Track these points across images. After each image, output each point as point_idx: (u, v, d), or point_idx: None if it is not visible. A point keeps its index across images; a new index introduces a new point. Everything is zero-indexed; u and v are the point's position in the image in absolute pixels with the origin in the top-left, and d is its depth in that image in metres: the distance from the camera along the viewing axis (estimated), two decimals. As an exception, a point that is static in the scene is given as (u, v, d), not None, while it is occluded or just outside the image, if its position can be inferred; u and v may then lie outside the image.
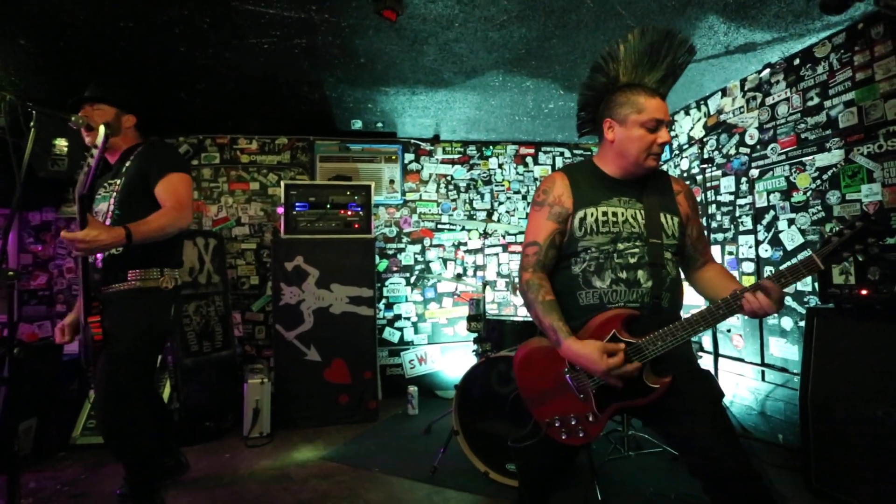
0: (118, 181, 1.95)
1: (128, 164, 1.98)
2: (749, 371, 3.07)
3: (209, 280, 3.56)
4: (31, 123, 1.95)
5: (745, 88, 3.16)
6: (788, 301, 2.82)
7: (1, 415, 2.53)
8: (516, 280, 4.48)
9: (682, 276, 1.50)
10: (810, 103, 2.71)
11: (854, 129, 2.48)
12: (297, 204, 3.52)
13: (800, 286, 2.76)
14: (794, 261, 1.29)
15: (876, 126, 2.37)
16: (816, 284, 2.56)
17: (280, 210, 3.53)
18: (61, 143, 2.87)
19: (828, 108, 2.62)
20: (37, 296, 3.76)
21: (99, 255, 1.89)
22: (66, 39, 2.53)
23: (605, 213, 1.40)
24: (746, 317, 2.13)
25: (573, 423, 1.38)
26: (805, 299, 2.72)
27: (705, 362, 3.25)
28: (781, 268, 1.27)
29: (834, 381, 1.94)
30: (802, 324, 2.71)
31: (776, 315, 2.89)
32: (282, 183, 3.53)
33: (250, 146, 4.14)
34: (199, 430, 3.17)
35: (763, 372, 2.94)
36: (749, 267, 3.12)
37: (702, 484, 1.25)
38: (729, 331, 3.24)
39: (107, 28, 2.43)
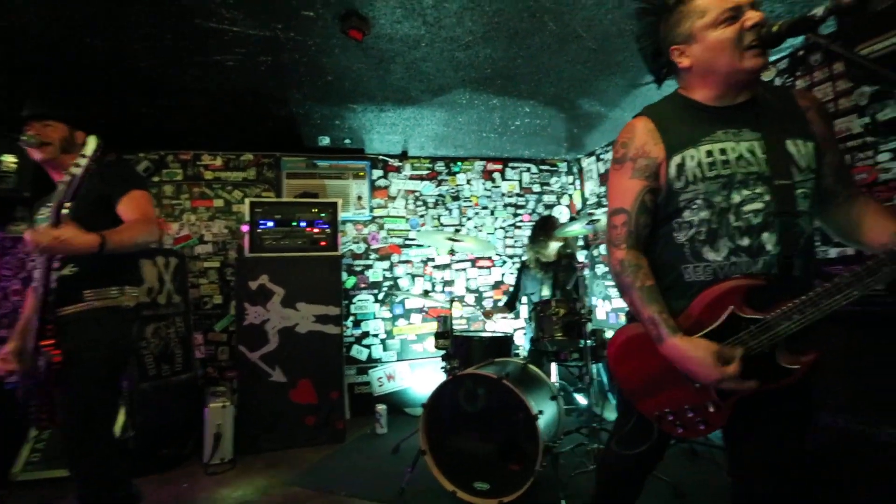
0: (69, 203, 1.76)
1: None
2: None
3: (169, 300, 3.44)
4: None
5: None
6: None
7: None
8: (487, 308, 4.54)
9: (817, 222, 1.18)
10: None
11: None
12: (261, 221, 3.45)
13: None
14: None
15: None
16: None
17: (245, 228, 3.45)
18: (9, 160, 2.74)
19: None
20: (-21, 319, 3.53)
21: (54, 276, 1.77)
22: (21, 55, 2.44)
23: (709, 153, 1.12)
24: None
25: (690, 415, 1.16)
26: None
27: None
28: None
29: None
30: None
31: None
32: (246, 200, 3.46)
33: (215, 162, 4.05)
34: (155, 459, 3.02)
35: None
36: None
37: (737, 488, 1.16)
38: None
39: (63, 42, 2.36)
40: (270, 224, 3.47)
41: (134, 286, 1.96)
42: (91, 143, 1.59)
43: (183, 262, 3.62)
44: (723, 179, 1.10)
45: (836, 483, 1.81)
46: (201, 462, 3.05)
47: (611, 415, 3.52)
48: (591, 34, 2.54)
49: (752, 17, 1.06)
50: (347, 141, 4.02)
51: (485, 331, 4.39)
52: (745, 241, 1.09)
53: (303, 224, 3.54)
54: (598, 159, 4.51)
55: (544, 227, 3.54)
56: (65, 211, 1.67)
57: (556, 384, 2.87)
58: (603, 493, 1.48)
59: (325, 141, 3.96)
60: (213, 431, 3.09)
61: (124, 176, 1.92)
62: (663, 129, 1.17)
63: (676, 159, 1.14)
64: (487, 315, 3.75)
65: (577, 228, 3.15)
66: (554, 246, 3.48)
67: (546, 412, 2.37)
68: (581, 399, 3.57)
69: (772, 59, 2.75)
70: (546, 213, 4.83)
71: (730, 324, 1.07)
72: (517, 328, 4.52)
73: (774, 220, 1.07)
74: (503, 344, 3.01)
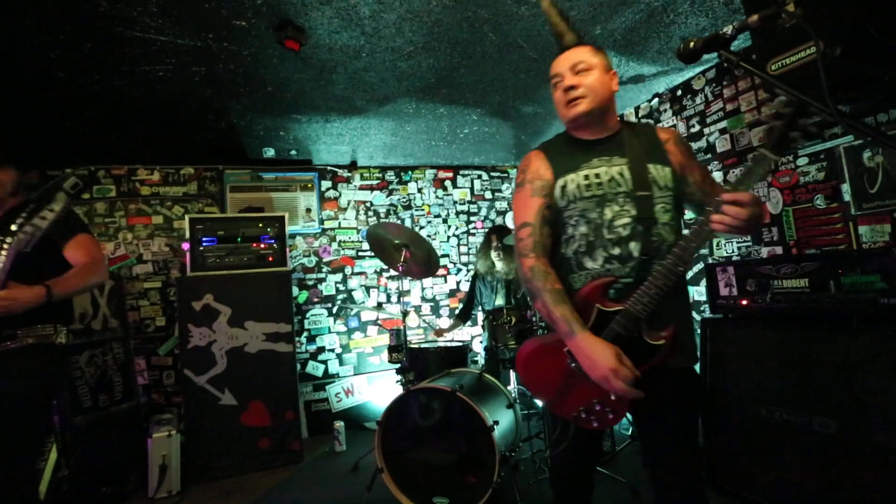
0: (10, 239, 1.70)
1: (20, 221, 1.72)
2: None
3: (105, 325, 3.23)
4: None
5: (640, 115, 3.43)
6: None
7: None
8: (436, 328, 4.51)
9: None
10: (693, 130, 3.00)
11: (728, 153, 2.77)
12: (204, 239, 3.30)
13: (697, 296, 2.99)
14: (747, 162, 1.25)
15: (745, 151, 2.66)
16: (707, 295, 2.80)
17: (185, 246, 3.29)
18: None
19: (707, 134, 2.91)
20: None
21: None
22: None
23: (586, 177, 1.34)
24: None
25: (598, 407, 1.31)
26: (701, 308, 2.96)
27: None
28: (735, 171, 1.27)
29: (726, 385, 2.11)
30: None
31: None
32: (186, 217, 3.30)
33: (152, 177, 3.85)
34: (94, 499, 2.81)
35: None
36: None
37: (648, 478, 1.33)
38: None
39: (-37, 52, 2.17)
40: (213, 241, 3.33)
41: (65, 325, 1.93)
42: (60, 201, 1.66)
43: (120, 283, 3.41)
44: (597, 198, 1.32)
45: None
46: (146, 497, 2.87)
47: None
48: (531, 44, 2.58)
49: (563, 82, 1.36)
50: (293, 152, 3.91)
51: (441, 339, 4.38)
52: (616, 251, 1.29)
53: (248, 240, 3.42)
54: (548, 164, 4.59)
55: (497, 234, 3.56)
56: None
57: (514, 391, 2.88)
58: (559, 497, 1.58)
59: (270, 152, 3.84)
60: (159, 463, 2.92)
61: (66, 219, 1.88)
62: (552, 158, 1.41)
63: (560, 182, 1.37)
64: (438, 334, 3.71)
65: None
66: (500, 265, 3.44)
67: (502, 421, 2.37)
68: (540, 402, 3.60)
69: (700, 69, 2.89)
70: (498, 220, 4.87)
71: (599, 319, 1.26)
72: (475, 335, 4.53)
73: (638, 228, 1.28)
74: (459, 354, 3.00)
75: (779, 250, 2.47)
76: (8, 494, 1.67)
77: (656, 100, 3.27)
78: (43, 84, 2.52)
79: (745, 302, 2.07)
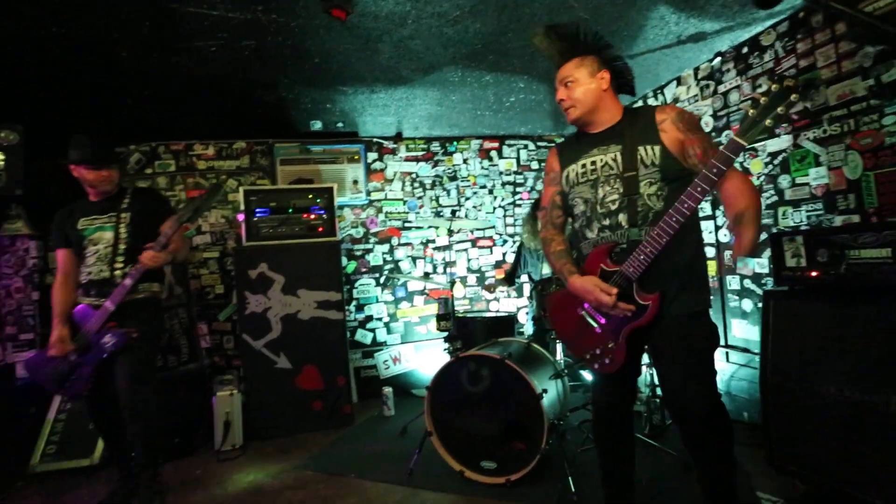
0: (125, 215, 2.36)
1: (125, 202, 2.40)
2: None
3: (171, 292, 3.45)
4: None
5: (699, 77, 3.22)
6: (748, 283, 2.91)
7: None
8: (487, 281, 4.54)
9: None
10: (760, 90, 2.78)
11: (801, 114, 2.55)
12: (257, 210, 3.42)
13: (757, 269, 2.84)
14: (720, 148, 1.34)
15: (820, 111, 2.45)
16: (771, 266, 2.65)
17: (240, 217, 3.43)
18: (-2, 158, 2.71)
19: (776, 94, 2.69)
20: (-16, 319, 3.55)
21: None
22: (-4, 50, 2.39)
23: (583, 165, 1.64)
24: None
25: (598, 352, 1.60)
26: (763, 282, 2.81)
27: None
28: (712, 160, 1.34)
29: (790, 361, 2.00)
30: (761, 305, 2.80)
31: (737, 297, 2.98)
32: (241, 189, 3.43)
33: (207, 151, 4.00)
34: (168, 448, 3.07)
35: (727, 353, 3.02)
36: (709, 252, 3.20)
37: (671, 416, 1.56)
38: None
39: (37, 35, 2.30)
40: (266, 212, 3.45)
41: (162, 284, 2.56)
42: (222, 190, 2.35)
43: (182, 253, 3.61)
44: (591, 181, 1.62)
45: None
46: (213, 449, 3.10)
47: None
48: (582, 3, 2.45)
49: (557, 95, 1.67)
50: (340, 124, 3.95)
51: (488, 311, 4.40)
52: (607, 221, 1.58)
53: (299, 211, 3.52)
54: (597, 132, 4.42)
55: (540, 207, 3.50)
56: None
57: (561, 362, 2.87)
58: (597, 439, 1.82)
59: (318, 125, 3.89)
60: (223, 419, 3.13)
61: (166, 201, 2.62)
62: (561, 154, 1.76)
63: (565, 172, 1.71)
64: (489, 288, 3.74)
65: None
66: None
67: (550, 390, 2.38)
68: (587, 375, 3.58)
69: (770, 22, 2.66)
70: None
71: (602, 277, 1.56)
72: (520, 307, 4.52)
73: (625, 202, 1.54)
74: (506, 323, 3.01)
75: (856, 219, 2.29)
76: (149, 400, 2.29)
77: (718, 59, 3.04)
78: (107, 65, 2.64)
79: (815, 273, 1.94)
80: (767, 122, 1.25)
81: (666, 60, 3.15)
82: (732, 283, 3.01)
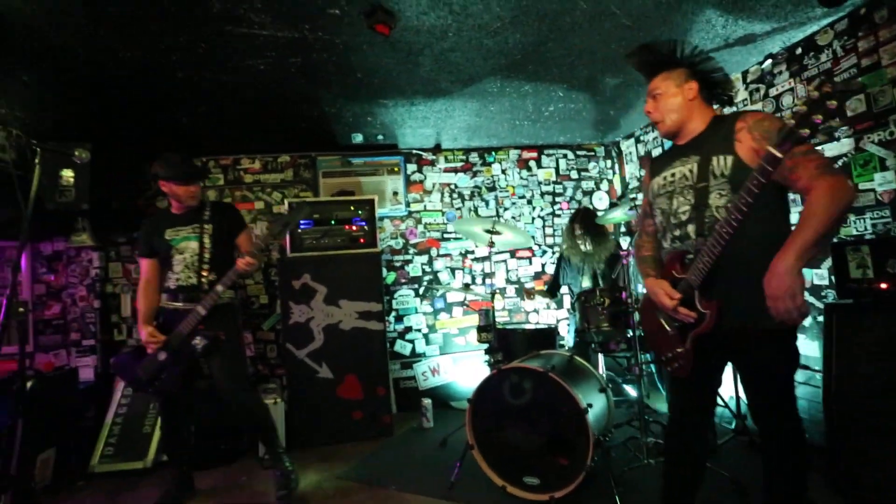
0: (208, 226, 2.56)
1: (206, 215, 2.59)
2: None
3: (219, 301, 3.57)
4: (37, 160, 1.99)
5: (748, 80, 3.10)
6: (806, 296, 2.74)
7: (18, 447, 2.60)
8: (526, 285, 4.49)
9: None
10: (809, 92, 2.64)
11: (863, 116, 2.41)
12: (301, 222, 3.52)
13: (816, 280, 2.68)
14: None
15: (885, 112, 2.30)
16: (833, 278, 2.49)
17: (285, 228, 3.52)
18: (68, 175, 2.88)
19: (834, 96, 2.55)
20: (51, 325, 3.80)
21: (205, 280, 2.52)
22: (67, 73, 2.57)
23: (664, 178, 1.67)
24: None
25: (670, 355, 1.63)
26: (822, 293, 2.64)
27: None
28: (753, 172, 1.31)
29: (858, 379, 1.87)
30: (821, 319, 2.63)
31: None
32: (285, 201, 3.54)
33: (253, 165, 4.16)
34: (214, 453, 3.16)
35: (784, 369, 2.85)
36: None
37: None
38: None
39: (105, 59, 2.47)
40: (309, 224, 3.54)
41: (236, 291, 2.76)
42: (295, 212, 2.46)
43: (229, 264, 3.75)
44: (668, 193, 1.64)
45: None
46: (257, 456, 3.17)
47: (662, 406, 3.40)
48: (624, 10, 2.41)
49: (646, 107, 1.71)
50: (380, 137, 4.02)
51: (528, 322, 4.34)
52: (678, 232, 1.61)
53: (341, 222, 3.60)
54: (638, 141, 4.32)
55: (580, 220, 3.43)
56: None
57: (605, 376, 2.79)
58: (666, 457, 1.79)
59: (359, 138, 3.98)
60: (266, 427, 3.19)
61: (240, 216, 2.76)
62: (652, 167, 1.79)
63: (651, 185, 1.75)
64: (528, 294, 3.68)
65: (619, 215, 3.02)
66: (585, 247, 3.37)
67: (595, 405, 2.31)
68: (631, 391, 3.46)
69: (827, 21, 2.53)
70: (584, 201, 4.68)
71: (672, 282, 1.59)
72: (561, 319, 4.44)
73: (693, 214, 1.54)
74: (547, 336, 2.96)
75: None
76: (253, 395, 2.63)
77: (769, 62, 2.92)
78: (164, 84, 2.80)
79: (884, 285, 1.81)
80: (804, 130, 1.19)
81: (713, 65, 3.05)
82: (789, 295, 2.85)
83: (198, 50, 2.48)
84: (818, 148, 2.65)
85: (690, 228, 1.55)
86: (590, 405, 2.21)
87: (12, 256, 3.71)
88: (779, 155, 1.24)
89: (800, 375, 2.73)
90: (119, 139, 3.50)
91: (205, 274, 2.49)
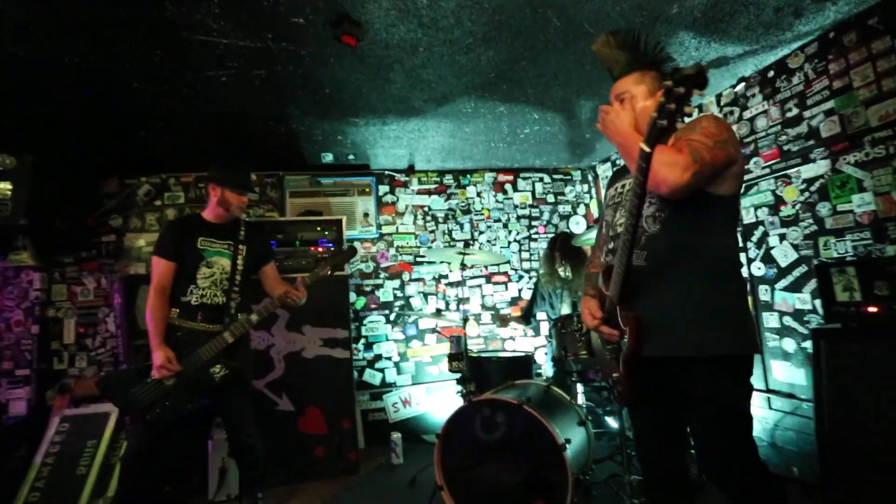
0: (242, 247, 2.40)
1: (242, 234, 2.44)
2: (753, 398, 2.87)
3: (172, 328, 3.31)
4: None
5: (722, 104, 3.10)
6: (788, 321, 2.66)
7: None
8: (501, 311, 4.34)
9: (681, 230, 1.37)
10: (789, 114, 2.64)
11: (837, 138, 2.39)
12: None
13: (798, 304, 2.60)
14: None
15: (860, 133, 2.28)
16: (817, 302, 2.42)
17: (246, 249, 3.32)
18: (4, 187, 2.67)
19: (807, 118, 2.54)
20: (-18, 353, 3.45)
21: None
22: (6, 79, 2.38)
23: (615, 189, 1.57)
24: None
25: (612, 381, 1.48)
26: (805, 318, 2.57)
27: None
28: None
29: (850, 409, 1.75)
30: (806, 345, 2.55)
31: (777, 336, 2.73)
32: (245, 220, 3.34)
33: (217, 184, 3.96)
34: (158, 497, 2.84)
35: (769, 399, 2.74)
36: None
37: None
38: (727, 355, 3.06)
39: (51, 64, 2.29)
40: (272, 245, 3.34)
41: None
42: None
43: (186, 288, 3.50)
44: (614, 205, 1.55)
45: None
46: (206, 499, 2.87)
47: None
48: (598, 28, 2.37)
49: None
50: (351, 157, 3.90)
51: (504, 350, 4.17)
52: (611, 245, 1.50)
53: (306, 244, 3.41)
54: (614, 165, 4.30)
55: (560, 247, 3.33)
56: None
57: (584, 407, 2.63)
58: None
59: (329, 157, 3.85)
60: (218, 466, 2.92)
61: (270, 246, 2.71)
62: (611, 179, 1.68)
63: (604, 197, 1.68)
64: (501, 320, 3.53)
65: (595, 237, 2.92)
66: (565, 273, 3.25)
67: (574, 439, 2.14)
68: (612, 422, 3.29)
69: (798, 44, 2.55)
70: (561, 226, 4.61)
71: (601, 299, 1.51)
72: (538, 346, 4.28)
73: (626, 231, 1.38)
74: (523, 364, 2.80)
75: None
76: (258, 434, 2.37)
77: (742, 84, 2.93)
78: (118, 95, 2.63)
79: (873, 309, 1.73)
80: (660, 122, 1.11)
81: (686, 88, 3.05)
82: (770, 320, 2.77)
83: (153, 58, 2.33)
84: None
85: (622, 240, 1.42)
86: (568, 440, 2.03)
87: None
88: (647, 149, 1.17)
89: (786, 405, 2.63)
90: (68, 152, 3.28)
91: (234, 297, 2.32)
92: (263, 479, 2.43)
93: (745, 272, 2.95)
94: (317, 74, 2.58)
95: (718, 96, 3.12)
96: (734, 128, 3.01)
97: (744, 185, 2.94)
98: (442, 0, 2.08)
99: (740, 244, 3.00)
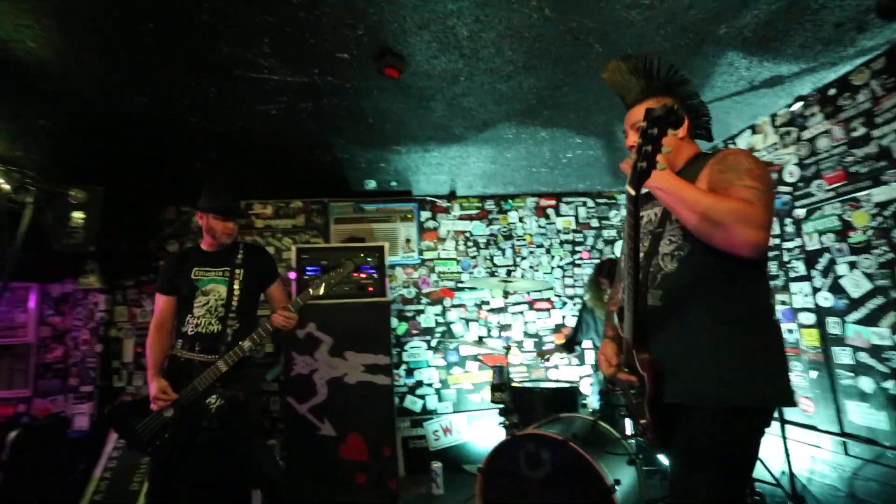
0: (238, 271, 2.32)
1: (239, 258, 2.37)
2: (826, 442, 2.62)
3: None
4: (29, 199, 1.93)
5: (777, 124, 2.95)
6: (864, 358, 2.43)
7: None
8: (544, 347, 4.21)
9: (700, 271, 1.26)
10: (855, 134, 2.47)
11: (912, 157, 2.21)
12: (308, 268, 3.41)
13: (875, 339, 2.38)
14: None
15: (939, 152, 2.10)
16: (896, 337, 2.20)
17: (292, 275, 3.42)
18: (77, 216, 2.87)
19: (877, 137, 2.37)
20: (52, 369, 3.69)
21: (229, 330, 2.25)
22: (80, 117, 2.60)
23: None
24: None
25: (642, 427, 1.37)
26: (884, 355, 2.33)
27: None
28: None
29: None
30: (887, 385, 2.31)
31: (851, 374, 2.49)
32: (293, 247, 3.45)
33: (265, 211, 4.13)
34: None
35: (845, 444, 2.49)
36: (808, 318, 2.76)
37: None
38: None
39: (118, 103, 2.48)
40: (317, 270, 3.42)
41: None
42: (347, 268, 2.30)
43: (235, 312, 3.63)
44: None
45: None
46: (249, 524, 2.89)
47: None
48: (641, 52, 2.31)
49: (628, 141, 1.42)
50: (394, 183, 3.97)
51: (546, 380, 4.04)
52: (626, 282, 1.31)
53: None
54: (662, 187, 4.15)
55: (606, 273, 3.22)
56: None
57: (633, 443, 2.48)
58: None
59: (372, 184, 3.94)
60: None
61: (273, 262, 2.53)
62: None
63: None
64: (542, 356, 3.42)
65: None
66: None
67: (624, 480, 2.01)
68: (665, 460, 3.09)
69: (861, 60, 2.39)
70: (606, 251, 4.48)
71: (617, 341, 1.42)
72: (583, 376, 4.12)
73: (644, 262, 1.33)
74: (568, 396, 2.69)
75: None
76: (268, 458, 2.34)
77: (799, 104, 2.77)
78: (178, 129, 2.81)
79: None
80: (641, 165, 1.05)
81: (737, 108, 2.93)
82: (841, 356, 2.54)
83: (209, 95, 2.48)
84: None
85: (626, 283, 1.31)
86: (618, 481, 1.91)
87: (24, 297, 3.69)
88: (632, 192, 1.10)
89: (866, 451, 2.38)
90: (132, 183, 3.52)
91: (230, 323, 2.24)
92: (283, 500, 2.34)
93: (810, 302, 2.74)
94: (360, 105, 2.66)
95: (773, 116, 2.97)
96: (793, 148, 2.85)
97: (805, 209, 2.76)
98: (483, 31, 2.11)
99: (805, 272, 2.79)
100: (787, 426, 2.75)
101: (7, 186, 2.78)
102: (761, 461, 2.63)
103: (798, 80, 2.60)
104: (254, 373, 2.41)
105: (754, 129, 3.14)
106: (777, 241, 2.96)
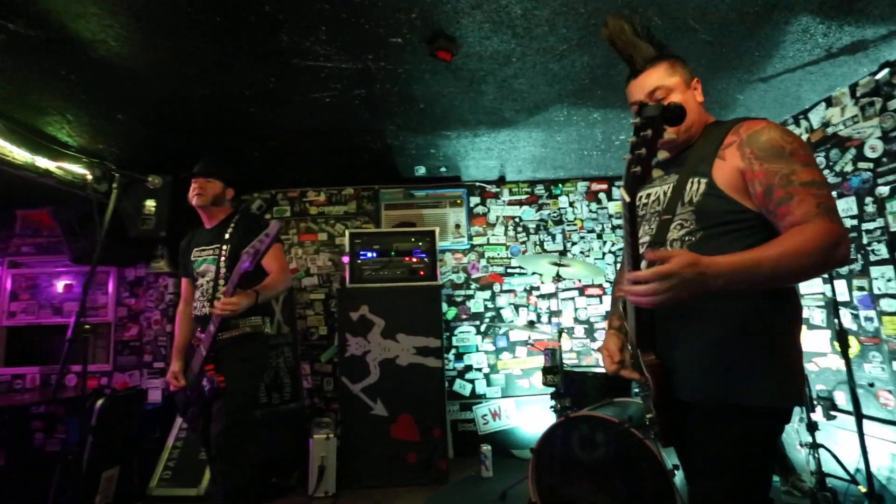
0: (225, 247, 2.18)
1: (230, 232, 2.22)
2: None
3: (279, 331, 3.60)
4: (114, 185, 2.09)
5: (858, 94, 2.72)
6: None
7: (87, 463, 2.67)
8: (599, 329, 4.13)
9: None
10: None
11: None
12: (361, 252, 3.50)
13: (967, 327, 2.18)
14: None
15: None
16: None
17: (345, 259, 3.53)
18: (150, 204, 3.10)
19: (978, 106, 2.14)
20: (129, 346, 4.02)
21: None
22: (158, 112, 2.78)
23: (640, 199, 1.32)
24: None
25: (649, 422, 1.27)
26: (978, 344, 2.14)
27: (841, 423, 2.65)
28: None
29: None
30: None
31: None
32: (346, 232, 3.55)
33: (318, 198, 4.27)
34: (264, 487, 3.08)
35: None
36: (891, 305, 2.55)
37: None
38: (871, 385, 2.63)
39: (192, 98, 2.63)
40: (370, 255, 3.51)
41: (269, 317, 2.31)
42: (274, 226, 1.92)
43: (291, 293, 3.79)
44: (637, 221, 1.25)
45: None
46: (306, 494, 3.05)
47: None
48: (704, 24, 2.21)
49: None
50: (443, 169, 3.99)
51: (599, 366, 3.97)
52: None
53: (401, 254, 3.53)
54: (723, 169, 3.94)
55: None
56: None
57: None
58: None
59: (421, 170, 3.97)
60: (318, 463, 3.09)
61: (259, 231, 2.17)
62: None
63: None
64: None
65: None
66: None
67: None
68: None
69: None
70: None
71: (622, 331, 1.36)
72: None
73: (648, 248, 1.15)
74: (621, 381, 2.63)
75: None
76: (240, 447, 2.07)
77: (885, 71, 2.54)
78: (240, 120, 2.94)
79: None
80: (634, 170, 0.96)
81: (810, 79, 2.72)
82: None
83: (268, 85, 2.57)
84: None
85: (643, 266, 1.12)
86: (677, 466, 1.87)
87: (104, 280, 4.01)
88: (627, 198, 1.01)
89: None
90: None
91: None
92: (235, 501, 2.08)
93: (893, 288, 2.54)
94: (412, 90, 2.68)
95: (853, 86, 2.74)
96: (876, 120, 2.62)
97: (889, 187, 2.55)
98: (536, 9, 2.06)
99: (887, 255, 2.58)
100: (866, 421, 2.58)
101: (90, 176, 3.03)
102: (834, 456, 2.49)
103: (885, 44, 2.38)
104: (251, 348, 2.19)
105: (829, 102, 2.91)
106: (854, 221, 2.75)
